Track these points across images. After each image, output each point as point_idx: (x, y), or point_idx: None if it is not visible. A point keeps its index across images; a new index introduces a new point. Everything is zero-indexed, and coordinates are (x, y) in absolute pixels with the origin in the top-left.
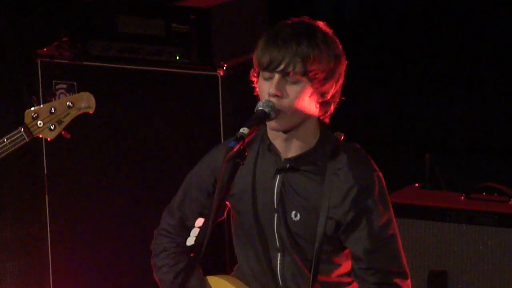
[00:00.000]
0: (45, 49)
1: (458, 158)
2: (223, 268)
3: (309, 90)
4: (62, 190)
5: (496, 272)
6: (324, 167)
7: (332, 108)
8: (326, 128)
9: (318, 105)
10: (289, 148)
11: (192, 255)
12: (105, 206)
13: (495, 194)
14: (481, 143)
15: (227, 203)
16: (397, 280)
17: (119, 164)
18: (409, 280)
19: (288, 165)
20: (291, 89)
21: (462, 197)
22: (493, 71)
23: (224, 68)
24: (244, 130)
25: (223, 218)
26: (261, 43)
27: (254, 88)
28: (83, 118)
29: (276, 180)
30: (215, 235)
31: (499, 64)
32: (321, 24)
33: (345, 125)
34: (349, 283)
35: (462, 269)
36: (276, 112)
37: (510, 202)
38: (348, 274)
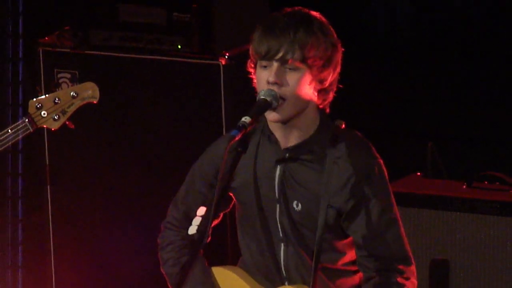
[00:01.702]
0: (46, 38)
1: (460, 147)
2: (225, 261)
3: (308, 77)
4: (64, 181)
5: (498, 260)
6: (323, 155)
7: (330, 96)
8: (325, 117)
9: (316, 93)
10: (289, 138)
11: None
12: (107, 197)
13: (497, 183)
14: (483, 132)
15: (231, 194)
16: (401, 266)
17: (121, 154)
18: (413, 266)
19: (287, 154)
20: (290, 77)
21: (464, 186)
22: (495, 59)
23: (226, 57)
24: (246, 119)
25: (228, 210)
26: (258, 33)
27: (253, 79)
28: (84, 107)
29: (276, 170)
30: (218, 228)
31: (502, 52)
32: (316, 13)
33: (347, 114)
34: (355, 272)
35: (464, 257)
36: (278, 101)
37: None
38: (354, 262)
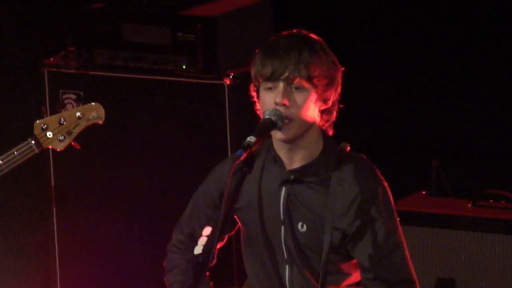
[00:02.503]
0: (51, 59)
1: (465, 165)
2: (232, 284)
3: (313, 97)
4: (70, 203)
5: (504, 279)
6: (328, 177)
7: (333, 116)
8: (328, 138)
9: (319, 113)
10: (294, 159)
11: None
12: (112, 217)
13: (502, 201)
14: (488, 150)
15: (235, 216)
16: None
17: (127, 174)
18: None
19: (292, 176)
20: (297, 97)
21: (469, 204)
22: (501, 76)
23: (231, 76)
24: (251, 138)
25: (232, 233)
26: (260, 56)
27: (255, 103)
28: (89, 128)
29: (281, 192)
30: (224, 250)
31: (508, 69)
32: (313, 35)
33: (351, 132)
34: None
35: (469, 276)
36: (283, 121)
37: None
38: (358, 284)
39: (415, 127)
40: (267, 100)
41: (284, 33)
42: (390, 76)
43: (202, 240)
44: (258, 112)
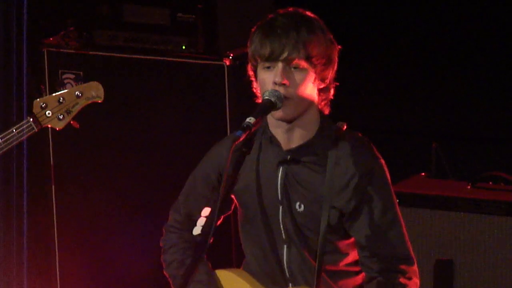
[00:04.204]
0: (51, 39)
1: (465, 147)
2: (230, 264)
3: (312, 76)
4: (69, 181)
5: (503, 261)
6: (325, 156)
7: (330, 94)
8: (325, 118)
9: (317, 92)
10: (291, 139)
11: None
12: (111, 196)
13: (501, 183)
14: (488, 132)
15: (233, 196)
16: (403, 266)
17: (126, 154)
18: (415, 266)
19: (289, 156)
20: (296, 76)
21: (469, 186)
22: (500, 59)
23: (230, 57)
24: (250, 119)
25: (229, 212)
26: (258, 35)
27: (252, 82)
28: (88, 107)
29: (279, 172)
30: (222, 231)
31: (507, 52)
32: (310, 13)
33: (350, 115)
34: (358, 272)
35: (468, 258)
36: (282, 101)
37: None
38: (356, 263)
39: (416, 110)
40: (267, 80)
41: (281, 11)
42: (391, 58)
43: (201, 221)
44: (255, 91)
